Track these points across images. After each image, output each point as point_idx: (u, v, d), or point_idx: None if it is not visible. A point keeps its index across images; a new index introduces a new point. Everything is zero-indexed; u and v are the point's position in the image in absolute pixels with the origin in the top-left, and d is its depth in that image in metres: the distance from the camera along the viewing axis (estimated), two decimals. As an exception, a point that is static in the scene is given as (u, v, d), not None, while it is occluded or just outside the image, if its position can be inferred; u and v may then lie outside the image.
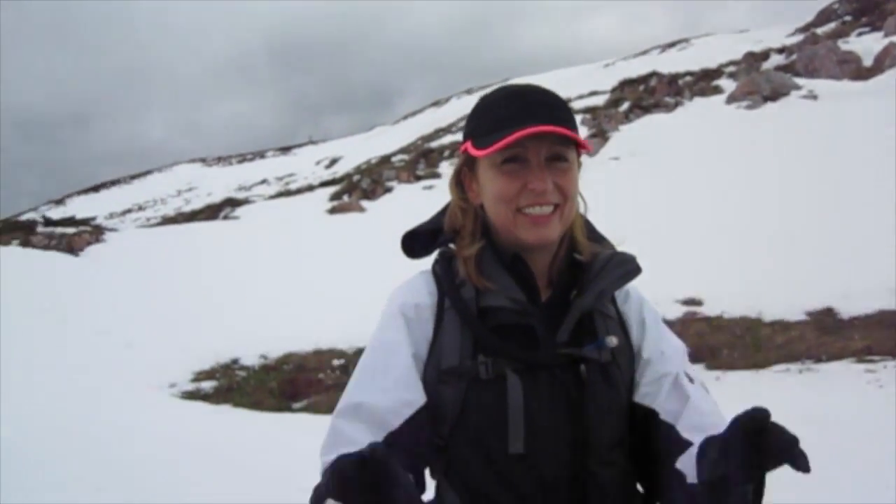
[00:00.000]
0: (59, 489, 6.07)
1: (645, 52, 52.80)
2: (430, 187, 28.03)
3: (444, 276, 1.91)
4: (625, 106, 32.27)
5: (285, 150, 72.86)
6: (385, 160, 36.55)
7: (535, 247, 1.84)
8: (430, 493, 1.92)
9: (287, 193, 35.87)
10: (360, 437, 1.68)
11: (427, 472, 1.90)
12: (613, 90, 37.57)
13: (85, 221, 25.74)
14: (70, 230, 22.94)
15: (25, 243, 21.92)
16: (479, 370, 1.77)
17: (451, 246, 1.98)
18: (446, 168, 30.20)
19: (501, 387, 1.75)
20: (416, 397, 1.78)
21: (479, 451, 1.79)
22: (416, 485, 1.80)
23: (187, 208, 42.91)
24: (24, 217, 40.65)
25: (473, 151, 1.85)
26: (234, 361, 14.71)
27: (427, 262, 2.04)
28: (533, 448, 1.75)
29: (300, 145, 73.69)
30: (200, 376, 14.05)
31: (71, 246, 21.93)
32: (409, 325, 1.86)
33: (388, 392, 1.76)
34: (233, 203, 32.05)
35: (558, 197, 1.81)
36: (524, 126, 1.74)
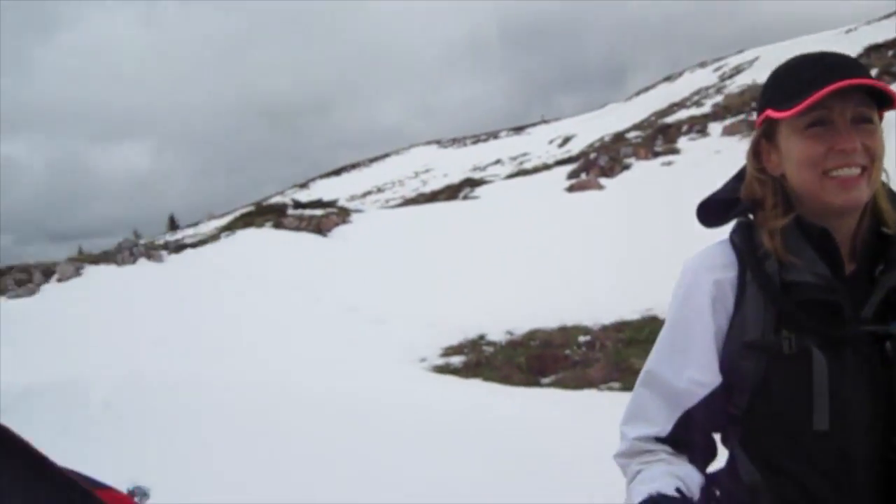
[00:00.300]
0: (314, 459, 6.31)
1: (890, 15, 49.83)
2: (668, 163, 27.44)
3: (744, 247, 1.90)
4: (873, 74, 30.65)
5: (518, 129, 73.12)
6: (619, 137, 36.13)
7: (843, 211, 1.79)
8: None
9: (523, 173, 36.04)
10: (658, 417, 1.89)
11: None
12: (859, 57, 35.76)
13: (331, 203, 26.73)
14: (318, 212, 23.96)
15: (278, 225, 23.12)
16: (783, 345, 1.76)
17: (749, 216, 1.97)
18: (685, 143, 29.53)
19: (805, 362, 1.74)
20: (710, 379, 1.84)
21: (779, 426, 1.79)
22: (707, 451, 1.94)
23: (425, 189, 43.81)
24: (272, 200, 42.67)
25: (776, 114, 1.83)
26: (481, 337, 14.92)
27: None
28: (837, 425, 1.73)
29: (533, 125, 73.74)
30: (449, 351, 14.36)
31: (319, 227, 22.89)
32: (711, 300, 1.87)
33: (684, 373, 1.84)
34: (471, 183, 32.51)
35: (865, 159, 1.76)
36: (829, 84, 1.71)
